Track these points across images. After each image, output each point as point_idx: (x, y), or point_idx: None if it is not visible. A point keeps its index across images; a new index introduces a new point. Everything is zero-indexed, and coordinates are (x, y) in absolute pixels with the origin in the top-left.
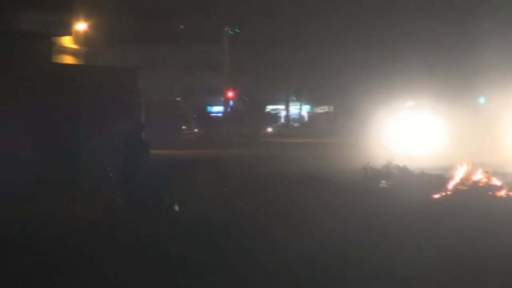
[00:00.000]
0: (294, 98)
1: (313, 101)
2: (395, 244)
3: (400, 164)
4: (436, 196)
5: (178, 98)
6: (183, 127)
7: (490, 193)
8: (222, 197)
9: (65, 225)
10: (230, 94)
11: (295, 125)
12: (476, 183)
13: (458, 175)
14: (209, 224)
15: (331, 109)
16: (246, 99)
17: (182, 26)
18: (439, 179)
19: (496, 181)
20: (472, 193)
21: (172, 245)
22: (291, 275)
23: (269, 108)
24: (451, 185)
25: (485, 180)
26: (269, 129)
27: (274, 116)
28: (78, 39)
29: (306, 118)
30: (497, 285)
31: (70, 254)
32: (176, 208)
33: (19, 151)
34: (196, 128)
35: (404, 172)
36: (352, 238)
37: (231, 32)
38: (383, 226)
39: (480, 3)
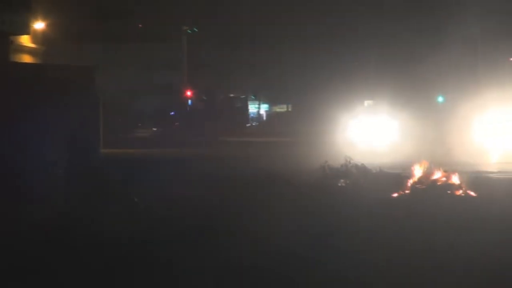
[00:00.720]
0: (253, 97)
1: (272, 100)
2: (351, 243)
3: (359, 163)
4: (395, 194)
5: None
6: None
7: (449, 191)
8: (181, 197)
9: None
10: (188, 93)
11: (253, 124)
12: (434, 181)
13: (416, 174)
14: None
15: (290, 108)
16: (204, 98)
17: (140, 25)
18: (398, 178)
19: (455, 180)
20: (430, 191)
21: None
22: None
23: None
24: (409, 184)
25: (443, 178)
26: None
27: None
28: (36, 38)
29: (264, 117)
30: (454, 285)
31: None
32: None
33: None
34: (154, 127)
35: (362, 170)
36: (305, 237)
37: (190, 32)
38: (339, 225)
39: (437, 2)
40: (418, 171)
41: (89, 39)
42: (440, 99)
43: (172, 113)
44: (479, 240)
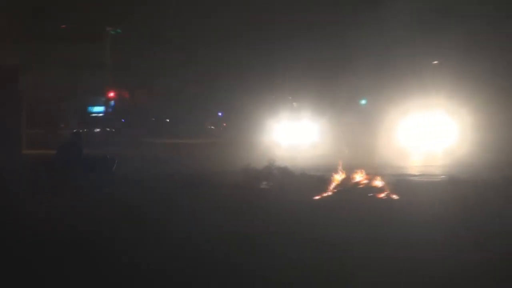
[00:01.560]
0: None
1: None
2: (269, 243)
3: (282, 165)
4: (317, 197)
5: None
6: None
7: (371, 194)
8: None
9: None
10: (111, 94)
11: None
12: (357, 184)
13: (339, 176)
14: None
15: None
16: (127, 99)
17: (64, 26)
18: (320, 180)
19: (377, 183)
20: (352, 194)
21: None
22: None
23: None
24: (332, 186)
25: (366, 181)
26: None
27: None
28: None
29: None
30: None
31: None
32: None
33: None
34: (76, 128)
35: (285, 173)
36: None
37: (113, 32)
38: (256, 225)
39: (361, 5)
40: (340, 174)
41: (11, 40)
42: (363, 101)
43: (100, 113)
44: (398, 240)
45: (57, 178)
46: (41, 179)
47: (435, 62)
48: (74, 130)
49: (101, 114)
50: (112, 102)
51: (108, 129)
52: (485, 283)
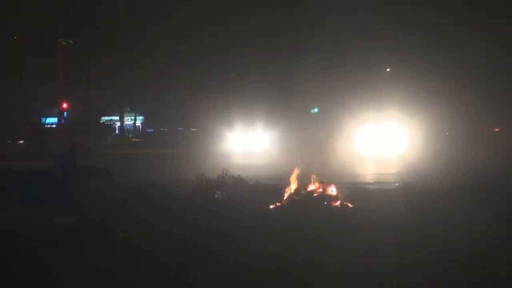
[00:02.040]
0: (129, 109)
1: (149, 112)
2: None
3: (235, 174)
4: (271, 206)
5: None
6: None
7: (325, 203)
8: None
9: None
10: (64, 105)
11: (129, 136)
12: (311, 193)
13: (293, 185)
14: None
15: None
16: (80, 110)
17: (16, 37)
18: (274, 189)
19: (331, 191)
20: (307, 203)
21: None
22: None
23: (104, 119)
24: (286, 195)
25: (320, 190)
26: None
27: (109, 127)
28: None
29: (140, 129)
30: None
31: None
32: None
33: None
34: (29, 139)
35: (239, 182)
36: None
37: (65, 43)
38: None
39: (313, 13)
40: (294, 183)
41: None
42: (315, 110)
43: (53, 124)
44: (352, 247)
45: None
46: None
47: (388, 69)
48: (71, 143)
49: (54, 126)
50: (65, 113)
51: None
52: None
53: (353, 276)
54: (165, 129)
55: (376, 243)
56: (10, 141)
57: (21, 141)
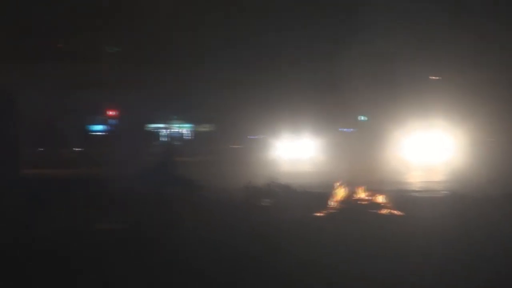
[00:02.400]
0: (175, 117)
1: (195, 120)
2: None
3: (283, 182)
4: (318, 214)
5: None
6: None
7: (373, 210)
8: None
9: None
10: (110, 113)
11: (176, 143)
12: (358, 200)
13: (340, 193)
14: None
15: (213, 128)
16: (126, 117)
17: (61, 45)
18: (321, 197)
19: (379, 199)
20: (354, 210)
21: None
22: None
23: (151, 126)
24: (333, 203)
25: (367, 197)
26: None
27: (155, 135)
28: None
29: (187, 137)
30: None
31: None
32: None
33: None
34: (75, 147)
35: (286, 190)
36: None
37: (111, 51)
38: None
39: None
40: (341, 190)
41: (9, 59)
42: (362, 117)
43: (100, 132)
44: (400, 256)
45: None
46: None
47: (434, 77)
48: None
49: (100, 133)
50: (112, 121)
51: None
52: None
53: (404, 283)
54: (214, 135)
55: (426, 251)
56: (56, 149)
57: (75, 149)
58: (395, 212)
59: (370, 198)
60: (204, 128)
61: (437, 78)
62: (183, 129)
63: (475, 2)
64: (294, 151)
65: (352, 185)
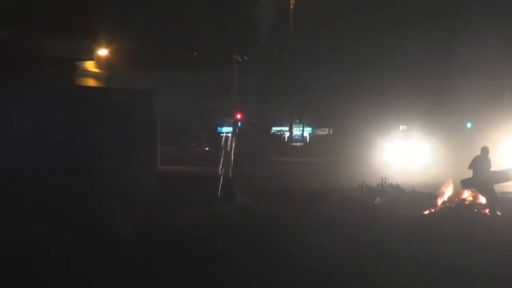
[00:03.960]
0: (297, 120)
1: (315, 124)
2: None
3: (394, 183)
4: (425, 212)
5: None
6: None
7: (476, 210)
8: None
9: None
10: (238, 116)
11: (297, 145)
12: (462, 201)
13: (446, 194)
14: None
15: (331, 131)
16: (253, 120)
17: (195, 53)
18: (429, 197)
19: (482, 200)
20: (458, 210)
21: None
22: None
23: (274, 129)
24: (439, 203)
25: (471, 198)
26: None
27: (279, 137)
28: (100, 63)
29: (308, 139)
30: None
31: None
32: None
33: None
34: (207, 147)
35: (396, 190)
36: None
37: (240, 60)
38: (376, 240)
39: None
40: (447, 191)
41: (148, 65)
42: (469, 124)
43: (228, 133)
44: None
45: None
46: None
47: None
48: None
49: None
50: (239, 123)
51: None
52: None
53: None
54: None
55: None
56: (189, 147)
57: (206, 148)
58: (496, 212)
59: (474, 198)
60: (323, 131)
61: None
62: (304, 132)
63: None
64: (404, 154)
65: (457, 187)
